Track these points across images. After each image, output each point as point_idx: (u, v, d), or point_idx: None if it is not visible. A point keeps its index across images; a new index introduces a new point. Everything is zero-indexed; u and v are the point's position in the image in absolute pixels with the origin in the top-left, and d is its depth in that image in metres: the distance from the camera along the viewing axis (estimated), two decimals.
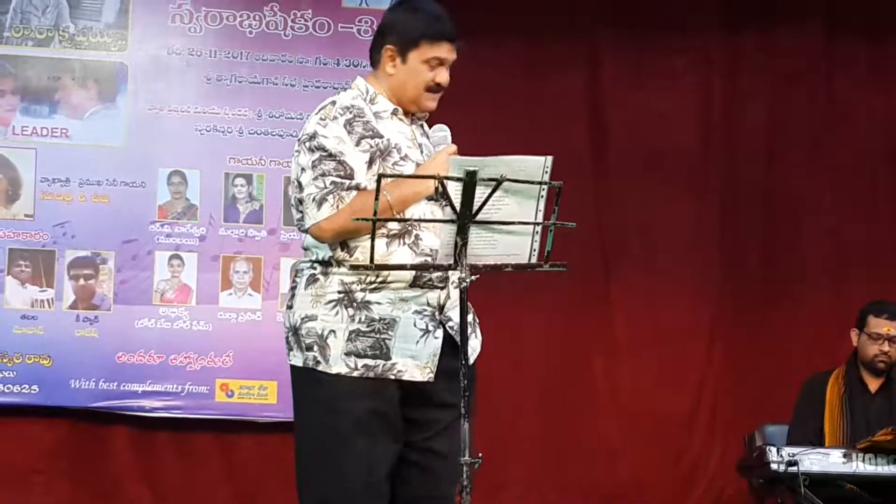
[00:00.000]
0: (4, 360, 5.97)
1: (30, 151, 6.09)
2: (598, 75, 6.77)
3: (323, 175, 3.42)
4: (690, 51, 6.83)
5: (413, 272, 3.41)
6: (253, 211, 6.23)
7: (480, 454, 3.20)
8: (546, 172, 3.27)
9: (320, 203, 3.41)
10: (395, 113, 3.54)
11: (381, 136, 3.48)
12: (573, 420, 6.57)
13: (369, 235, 3.29)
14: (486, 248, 3.28)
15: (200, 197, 6.18)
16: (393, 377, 3.44)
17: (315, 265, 3.50)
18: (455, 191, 3.19)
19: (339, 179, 3.41)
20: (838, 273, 6.80)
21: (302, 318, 3.48)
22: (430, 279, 3.44)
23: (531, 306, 6.52)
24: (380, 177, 3.22)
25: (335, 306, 3.45)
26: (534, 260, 3.34)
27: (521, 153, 3.28)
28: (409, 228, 3.41)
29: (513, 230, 3.29)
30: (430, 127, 3.66)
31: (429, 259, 3.42)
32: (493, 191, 3.19)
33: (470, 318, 3.45)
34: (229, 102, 6.23)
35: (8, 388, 5.97)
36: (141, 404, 6.05)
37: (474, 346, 3.57)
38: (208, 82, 6.24)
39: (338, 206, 3.40)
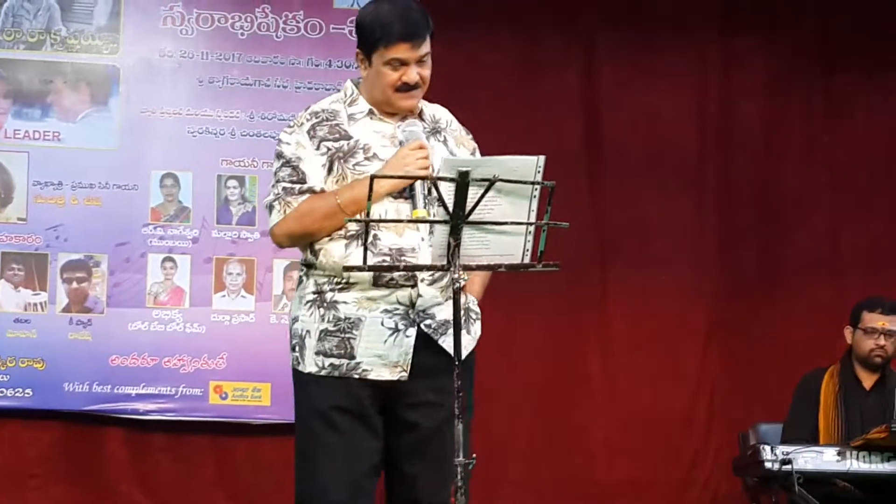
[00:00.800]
0: None
1: (22, 155, 6.08)
2: (594, 74, 6.76)
3: (278, 182, 3.49)
4: (687, 50, 6.82)
5: (372, 272, 3.38)
6: (246, 213, 6.22)
7: (475, 455, 3.19)
8: (539, 172, 3.25)
9: (270, 209, 3.49)
10: (370, 113, 3.52)
11: (349, 138, 3.48)
12: (570, 419, 6.57)
13: (328, 238, 3.39)
14: (480, 248, 3.27)
15: (193, 199, 6.17)
16: (357, 376, 3.43)
17: (303, 267, 3.55)
18: (448, 191, 3.18)
19: (289, 185, 3.45)
20: (835, 271, 6.79)
21: (292, 320, 3.55)
22: (392, 278, 3.42)
23: (528, 305, 6.51)
24: (372, 177, 3.20)
25: (311, 307, 3.48)
26: (527, 260, 3.33)
27: (517, 152, 3.27)
28: (367, 228, 3.37)
29: (506, 230, 3.28)
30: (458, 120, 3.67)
31: (387, 259, 3.40)
32: (486, 191, 3.18)
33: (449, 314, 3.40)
34: (221, 104, 6.22)
35: (1, 392, 5.96)
36: (135, 407, 6.04)
37: (464, 341, 3.50)
38: (200, 84, 6.23)
39: (284, 212, 3.45)
